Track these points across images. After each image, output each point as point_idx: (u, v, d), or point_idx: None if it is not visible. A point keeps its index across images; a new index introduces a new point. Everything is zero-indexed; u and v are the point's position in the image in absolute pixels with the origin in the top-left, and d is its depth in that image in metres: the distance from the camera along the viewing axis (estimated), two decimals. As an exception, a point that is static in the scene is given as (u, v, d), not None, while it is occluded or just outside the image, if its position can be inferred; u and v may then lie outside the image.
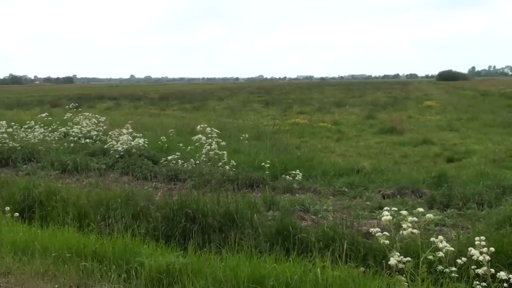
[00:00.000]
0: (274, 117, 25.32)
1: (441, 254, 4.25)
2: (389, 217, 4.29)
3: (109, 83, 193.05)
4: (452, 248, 4.32)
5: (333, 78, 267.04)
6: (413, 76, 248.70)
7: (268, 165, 9.57)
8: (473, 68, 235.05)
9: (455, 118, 22.68)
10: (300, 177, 9.19)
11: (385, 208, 4.52)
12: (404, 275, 4.20)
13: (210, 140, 9.52)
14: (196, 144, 9.65)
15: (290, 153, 12.50)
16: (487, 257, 4.15)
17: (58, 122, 15.11)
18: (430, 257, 4.29)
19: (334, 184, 9.19)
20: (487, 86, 63.03)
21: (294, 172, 9.23)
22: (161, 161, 10.72)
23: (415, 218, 4.31)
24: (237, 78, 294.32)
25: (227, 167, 9.37)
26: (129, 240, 5.73)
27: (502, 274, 4.05)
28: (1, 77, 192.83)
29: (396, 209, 4.62)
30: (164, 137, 12.53)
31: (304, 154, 12.56)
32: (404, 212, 4.45)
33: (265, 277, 4.47)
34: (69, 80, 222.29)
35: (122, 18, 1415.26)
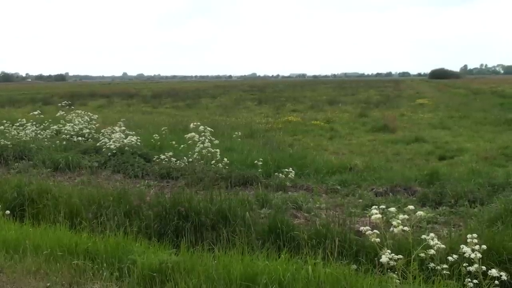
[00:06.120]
0: (267, 115, 25.30)
1: (432, 251, 4.27)
2: (379, 216, 4.30)
3: (101, 81, 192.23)
4: (444, 246, 4.34)
5: (326, 76, 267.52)
6: (405, 74, 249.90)
7: (261, 163, 9.60)
8: (465, 66, 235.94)
9: (447, 116, 22.76)
10: (293, 175, 9.21)
11: (373, 206, 4.52)
12: (396, 272, 4.22)
13: (203, 138, 9.50)
14: (189, 142, 9.62)
15: (283, 151, 12.50)
16: (479, 255, 4.17)
17: (50, 120, 15.05)
18: (422, 254, 4.31)
19: (327, 182, 9.22)
20: (479, 84, 63.38)
21: (287, 170, 9.24)
22: (154, 159, 10.69)
23: (406, 216, 4.32)
24: (230, 76, 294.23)
25: (220, 165, 9.34)
26: (122, 238, 5.72)
27: (494, 272, 4.06)
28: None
29: (384, 206, 4.64)
30: (156, 135, 12.49)
31: (297, 152, 12.56)
32: (392, 209, 4.46)
33: (257, 275, 4.48)
34: (61, 77, 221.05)
35: (115, 15, 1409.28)
